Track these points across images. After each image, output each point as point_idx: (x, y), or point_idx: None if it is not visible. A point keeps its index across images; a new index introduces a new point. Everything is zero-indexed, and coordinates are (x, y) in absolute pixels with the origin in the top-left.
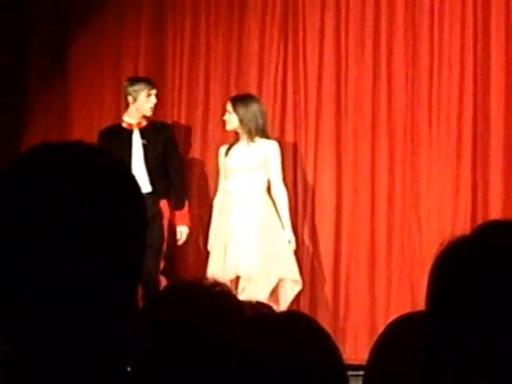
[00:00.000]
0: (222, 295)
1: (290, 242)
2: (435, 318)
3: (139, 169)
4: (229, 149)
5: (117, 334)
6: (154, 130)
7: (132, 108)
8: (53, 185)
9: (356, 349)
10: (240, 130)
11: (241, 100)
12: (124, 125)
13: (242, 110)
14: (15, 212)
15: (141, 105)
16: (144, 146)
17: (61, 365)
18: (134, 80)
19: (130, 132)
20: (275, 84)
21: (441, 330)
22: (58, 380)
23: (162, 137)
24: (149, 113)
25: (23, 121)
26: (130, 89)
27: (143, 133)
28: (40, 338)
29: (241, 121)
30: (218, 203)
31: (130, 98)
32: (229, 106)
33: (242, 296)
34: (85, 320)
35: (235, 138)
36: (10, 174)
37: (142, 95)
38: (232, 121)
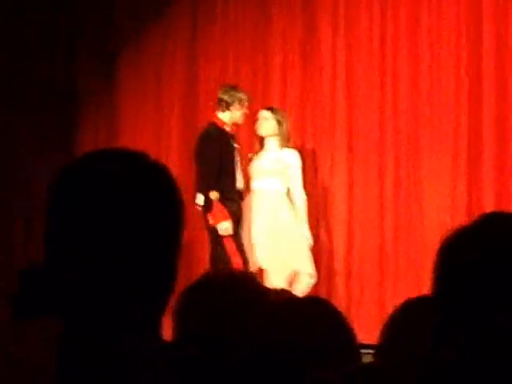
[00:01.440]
0: (251, 283)
1: (307, 238)
2: (439, 300)
3: (238, 171)
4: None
5: (156, 316)
6: None
7: (228, 114)
8: (101, 188)
9: (368, 330)
10: (274, 136)
11: (277, 109)
12: (228, 128)
13: (280, 117)
14: (68, 212)
15: (237, 112)
16: (237, 150)
17: (106, 339)
18: (234, 87)
19: (230, 136)
20: (295, 99)
21: (444, 312)
22: (103, 352)
23: None
24: (241, 120)
25: (74, 131)
26: (229, 95)
27: (234, 137)
28: (90, 317)
29: (279, 127)
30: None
31: (228, 105)
32: (266, 113)
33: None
34: (127, 303)
35: (260, 145)
36: (62, 179)
37: (239, 103)
38: (269, 127)
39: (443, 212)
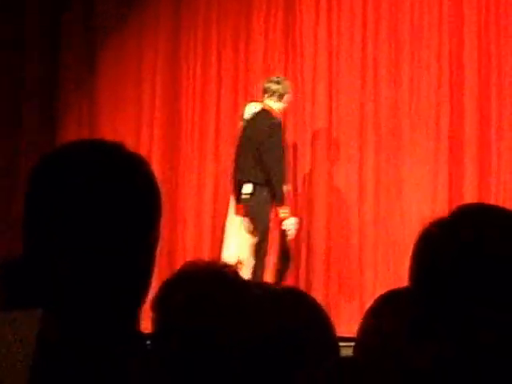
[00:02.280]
0: (231, 274)
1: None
2: (417, 292)
3: None
4: None
5: (135, 307)
6: None
7: (280, 105)
8: (80, 177)
9: (347, 323)
10: None
11: None
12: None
13: None
14: (46, 202)
15: (285, 104)
16: None
17: (85, 330)
18: (285, 79)
19: None
20: None
21: (423, 304)
22: (81, 344)
23: None
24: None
25: (57, 121)
26: (283, 86)
27: None
28: (69, 308)
29: None
30: None
31: (281, 96)
32: None
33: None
34: (106, 294)
35: None
36: (41, 168)
37: (289, 94)
38: None
39: (423, 205)
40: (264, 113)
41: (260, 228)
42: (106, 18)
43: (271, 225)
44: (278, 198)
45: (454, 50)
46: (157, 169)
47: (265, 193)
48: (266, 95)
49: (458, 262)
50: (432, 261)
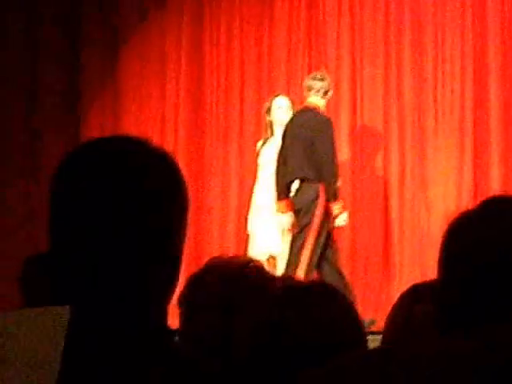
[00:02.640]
0: (257, 269)
1: None
2: (447, 284)
3: None
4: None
5: (162, 303)
6: None
7: (324, 102)
8: (107, 173)
9: (373, 316)
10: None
11: (288, 98)
12: None
13: (292, 106)
14: (74, 198)
15: (327, 99)
16: None
17: (113, 326)
18: (326, 75)
19: None
20: (301, 87)
21: (451, 298)
22: (110, 340)
23: None
24: None
25: (80, 120)
26: (328, 83)
27: None
28: (97, 305)
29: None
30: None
31: (326, 92)
32: (282, 101)
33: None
34: (134, 290)
35: (270, 132)
36: (67, 165)
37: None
38: (283, 115)
39: (449, 199)
40: (310, 110)
41: (302, 223)
42: (128, 14)
43: (317, 220)
44: (331, 194)
45: (478, 45)
46: (182, 165)
47: (312, 189)
48: (312, 92)
49: (485, 254)
50: (462, 252)
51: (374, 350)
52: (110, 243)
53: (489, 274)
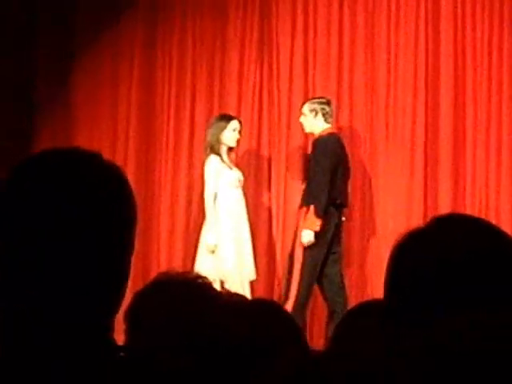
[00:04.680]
0: (204, 285)
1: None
2: (393, 303)
3: None
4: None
5: (108, 318)
6: None
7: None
8: (55, 187)
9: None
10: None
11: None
12: None
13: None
14: (19, 212)
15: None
16: None
17: (54, 342)
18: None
19: None
20: (253, 101)
21: (398, 316)
22: (52, 355)
23: None
24: None
25: (32, 137)
26: (321, 106)
27: None
28: (38, 319)
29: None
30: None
31: (329, 116)
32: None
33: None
34: (78, 305)
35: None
36: (13, 176)
37: None
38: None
39: (399, 217)
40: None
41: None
42: (81, 33)
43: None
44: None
45: (430, 65)
46: (131, 179)
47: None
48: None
49: (432, 273)
50: (408, 272)
51: (318, 353)
52: (57, 255)
53: (433, 293)
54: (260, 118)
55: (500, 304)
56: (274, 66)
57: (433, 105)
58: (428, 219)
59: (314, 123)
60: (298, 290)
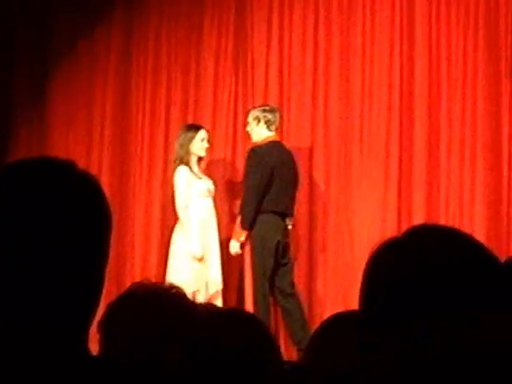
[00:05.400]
0: (178, 295)
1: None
2: (369, 312)
3: None
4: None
5: (82, 328)
6: None
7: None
8: (28, 196)
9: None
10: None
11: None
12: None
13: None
14: None
15: None
16: None
17: (28, 352)
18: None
19: None
20: (228, 112)
21: (373, 325)
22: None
23: None
24: None
25: (6, 145)
26: (263, 114)
27: None
28: (17, 329)
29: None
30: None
31: (257, 121)
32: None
33: None
34: (54, 313)
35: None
36: None
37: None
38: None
39: (373, 230)
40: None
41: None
42: (58, 45)
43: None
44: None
45: (405, 76)
46: (106, 189)
47: None
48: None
49: (409, 280)
50: (383, 282)
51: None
52: (30, 264)
53: (411, 305)
54: (235, 128)
55: (475, 311)
56: (249, 77)
57: (407, 115)
58: (402, 230)
59: (257, 131)
60: (255, 303)
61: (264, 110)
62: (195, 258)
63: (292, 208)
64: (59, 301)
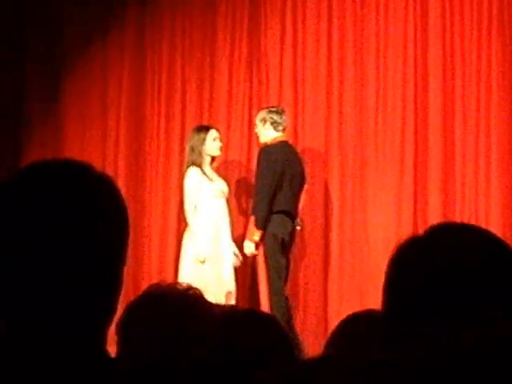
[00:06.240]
0: (195, 296)
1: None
2: (391, 313)
3: None
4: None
5: (100, 330)
6: None
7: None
8: (47, 198)
9: (312, 346)
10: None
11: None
12: None
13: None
14: (11, 224)
15: None
16: None
17: (44, 341)
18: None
19: None
20: (242, 114)
21: (397, 326)
22: (43, 365)
23: None
24: None
25: (21, 149)
26: (270, 115)
27: None
28: (37, 328)
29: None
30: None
31: (264, 122)
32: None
33: None
34: (73, 314)
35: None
36: (3, 188)
37: None
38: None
39: (389, 230)
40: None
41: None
42: (71, 44)
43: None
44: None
45: (419, 76)
46: (122, 189)
47: None
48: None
49: (431, 279)
50: (406, 280)
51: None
52: (49, 266)
53: (434, 304)
54: (250, 129)
55: (495, 308)
56: (264, 78)
57: (422, 116)
58: (418, 231)
59: (264, 132)
60: (271, 303)
61: (270, 111)
62: (198, 260)
63: (297, 208)
64: (79, 301)
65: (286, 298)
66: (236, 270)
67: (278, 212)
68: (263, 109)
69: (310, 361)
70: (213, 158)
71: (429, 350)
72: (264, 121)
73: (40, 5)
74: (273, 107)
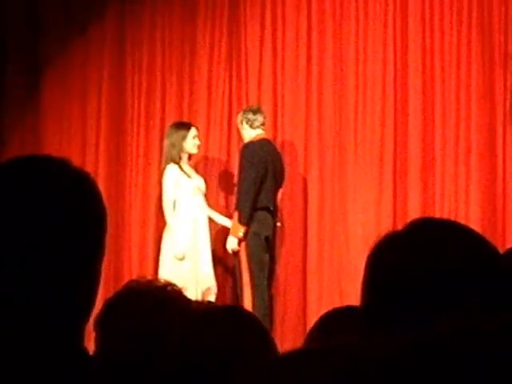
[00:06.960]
0: (174, 292)
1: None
2: (372, 303)
3: None
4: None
5: (78, 326)
6: None
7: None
8: (24, 194)
9: (291, 343)
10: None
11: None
12: None
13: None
14: None
15: None
16: None
17: (23, 350)
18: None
19: None
20: (222, 111)
21: (376, 321)
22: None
23: None
24: None
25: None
26: (245, 115)
27: None
28: (13, 325)
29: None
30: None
31: (241, 123)
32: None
33: None
34: (50, 310)
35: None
36: None
37: None
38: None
39: (368, 227)
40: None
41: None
42: (51, 41)
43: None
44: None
45: (399, 74)
46: (102, 186)
47: None
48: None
49: (411, 274)
50: (385, 275)
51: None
52: (27, 262)
53: (417, 294)
54: (229, 128)
55: (474, 303)
56: (243, 76)
57: (401, 113)
58: (397, 228)
59: (244, 133)
60: (253, 301)
61: (244, 112)
62: (176, 257)
63: (275, 205)
64: (56, 297)
65: (269, 296)
66: (215, 266)
67: (261, 208)
68: (241, 111)
69: (290, 354)
70: (190, 156)
71: (404, 341)
72: (241, 122)
73: (19, 1)
74: (247, 107)
